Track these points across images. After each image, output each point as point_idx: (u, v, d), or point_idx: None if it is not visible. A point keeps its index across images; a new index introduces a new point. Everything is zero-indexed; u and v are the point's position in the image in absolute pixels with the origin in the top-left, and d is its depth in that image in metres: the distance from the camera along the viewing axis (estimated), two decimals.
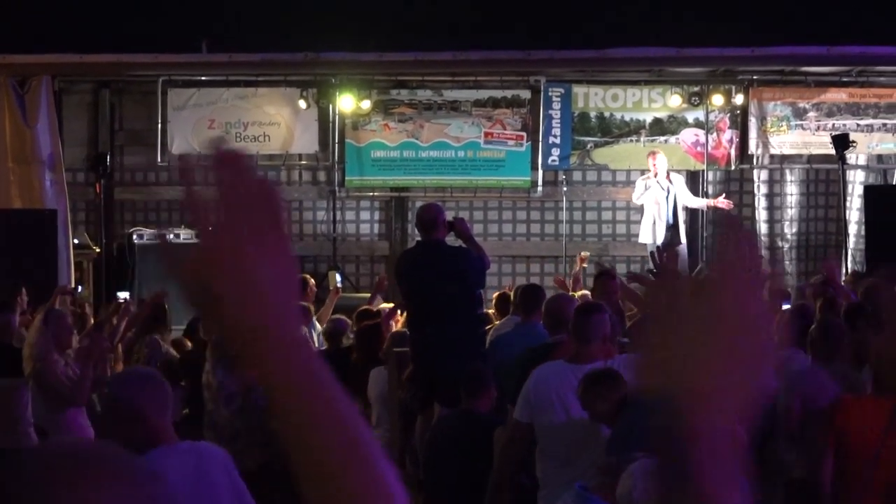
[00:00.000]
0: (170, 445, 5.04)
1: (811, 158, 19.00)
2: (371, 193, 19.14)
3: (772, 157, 19.04)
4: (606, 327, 6.92)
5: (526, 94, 18.80)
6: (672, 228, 17.07)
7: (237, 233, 1.38)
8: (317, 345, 11.20)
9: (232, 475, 5.08)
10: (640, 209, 17.59)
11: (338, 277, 16.14)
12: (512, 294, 10.65)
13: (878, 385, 6.55)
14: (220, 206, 1.39)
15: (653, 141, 18.73)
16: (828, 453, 6.45)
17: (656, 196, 17.01)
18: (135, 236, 17.65)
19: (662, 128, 18.86)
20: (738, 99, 18.62)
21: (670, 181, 17.06)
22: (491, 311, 11.86)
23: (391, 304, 11.91)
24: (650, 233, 17.00)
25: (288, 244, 1.42)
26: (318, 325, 12.00)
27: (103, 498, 1.42)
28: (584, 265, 14.95)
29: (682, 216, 17.30)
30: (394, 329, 10.63)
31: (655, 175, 17.03)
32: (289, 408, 1.37)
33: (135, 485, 1.47)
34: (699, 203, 17.69)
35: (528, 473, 7.00)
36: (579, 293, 12.19)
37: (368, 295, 14.36)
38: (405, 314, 10.47)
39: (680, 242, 17.07)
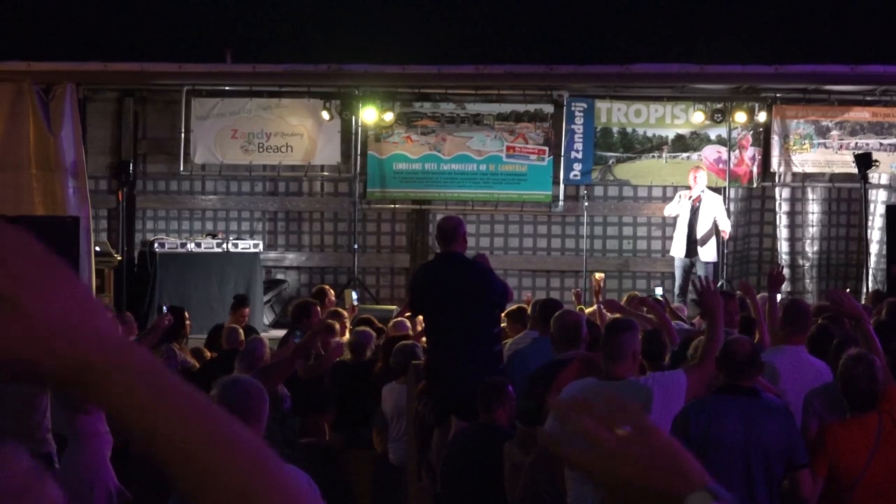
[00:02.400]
0: None
1: (833, 177, 18.95)
2: (392, 206, 19.16)
3: (794, 175, 19.00)
4: (637, 344, 6.91)
5: (549, 109, 18.80)
6: (692, 244, 17.18)
7: (6, 292, 1.27)
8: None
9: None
10: (672, 224, 17.73)
11: (354, 295, 16.15)
12: (529, 308, 10.61)
13: (853, 405, 6.55)
14: None
15: (675, 157, 18.72)
16: (819, 479, 6.47)
17: (683, 214, 17.22)
18: (156, 244, 17.70)
19: (685, 144, 18.84)
20: (761, 116, 18.59)
21: (700, 199, 17.22)
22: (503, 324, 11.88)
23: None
24: (681, 247, 17.25)
25: (64, 272, 1.31)
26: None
27: None
28: (602, 285, 14.91)
29: (711, 236, 17.31)
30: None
31: (689, 190, 17.29)
32: (156, 432, 1.30)
33: None
34: (726, 225, 17.69)
35: (550, 489, 6.98)
36: (589, 309, 12.20)
37: (388, 307, 14.39)
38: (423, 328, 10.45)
39: (696, 258, 17.24)
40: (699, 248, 17.20)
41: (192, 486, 1.31)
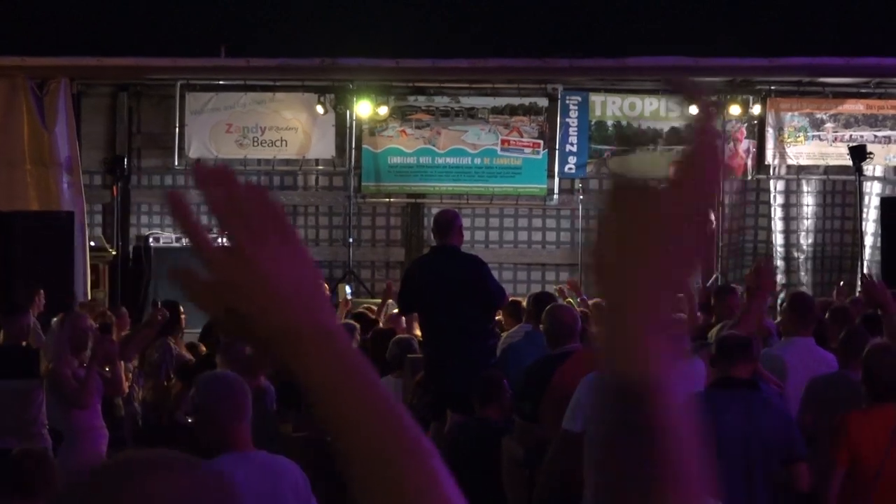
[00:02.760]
0: (241, 453, 5.07)
1: (828, 169, 18.97)
2: (387, 199, 19.16)
3: (788, 167, 19.02)
4: None
5: (543, 102, 18.81)
6: None
7: (239, 244, 1.37)
8: None
9: (301, 492, 5.07)
10: None
11: (347, 289, 16.16)
12: (525, 302, 10.60)
13: (875, 395, 6.55)
14: (218, 220, 1.38)
15: (670, 150, 18.73)
16: (839, 468, 6.44)
17: None
18: (151, 239, 17.70)
19: (679, 137, 18.85)
20: (756, 109, 18.61)
21: None
22: (499, 318, 11.88)
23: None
24: None
25: (295, 240, 1.40)
26: None
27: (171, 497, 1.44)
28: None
29: None
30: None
31: None
32: (335, 401, 1.37)
33: (204, 486, 1.48)
34: None
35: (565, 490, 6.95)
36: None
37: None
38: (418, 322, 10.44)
39: None
40: None
41: (356, 468, 1.37)
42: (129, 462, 1.48)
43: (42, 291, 12.39)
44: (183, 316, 11.60)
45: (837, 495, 6.45)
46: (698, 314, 10.76)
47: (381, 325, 11.52)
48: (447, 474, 1.37)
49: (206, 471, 1.50)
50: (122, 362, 9.95)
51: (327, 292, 1.44)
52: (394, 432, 1.36)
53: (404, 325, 11.33)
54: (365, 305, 13.10)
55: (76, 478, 1.49)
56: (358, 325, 11.32)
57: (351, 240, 18.65)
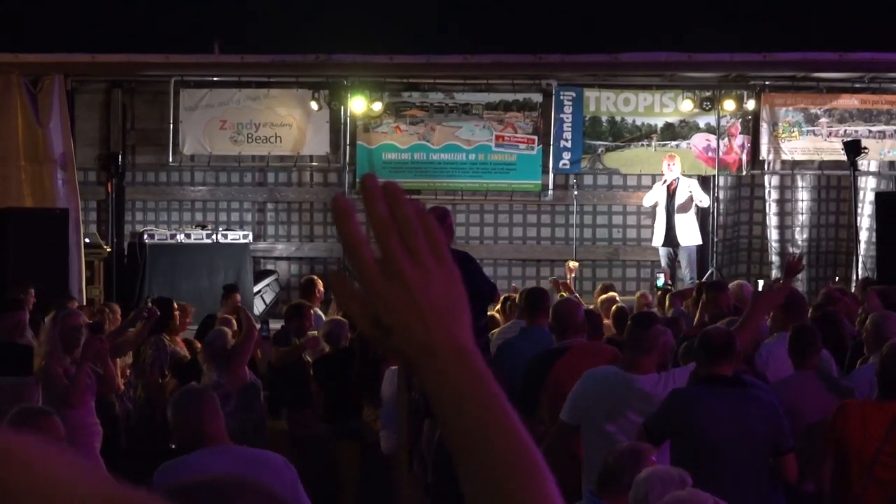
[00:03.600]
0: (217, 447, 5.27)
1: (822, 164, 18.98)
2: None
3: (783, 162, 19.03)
4: (667, 339, 6.94)
5: (537, 98, 18.82)
6: (671, 231, 17.30)
7: (396, 261, 1.43)
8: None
9: (289, 485, 5.14)
10: (652, 213, 17.82)
11: None
12: (517, 297, 10.62)
13: (884, 390, 6.56)
14: (378, 236, 1.44)
15: (664, 146, 18.74)
16: (828, 453, 6.48)
17: (660, 200, 17.35)
18: (146, 236, 17.70)
19: (674, 132, 18.86)
20: (750, 104, 18.61)
21: (675, 186, 17.31)
22: (495, 314, 11.89)
23: None
24: (659, 236, 17.42)
25: (448, 263, 1.48)
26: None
27: None
28: (573, 274, 14.91)
29: (691, 221, 17.39)
30: None
31: (663, 179, 17.39)
32: (464, 417, 1.44)
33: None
34: (702, 196, 17.80)
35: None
36: (600, 298, 12.29)
37: None
38: None
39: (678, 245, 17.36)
40: (678, 234, 17.28)
41: (475, 483, 1.43)
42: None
43: (32, 290, 12.37)
44: (177, 313, 11.60)
45: (830, 480, 6.48)
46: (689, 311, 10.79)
47: None
48: (560, 498, 1.44)
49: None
50: (117, 359, 9.96)
51: (468, 312, 1.50)
52: (517, 450, 1.43)
53: None
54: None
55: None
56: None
57: None
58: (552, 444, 6.95)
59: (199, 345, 11.37)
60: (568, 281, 14.21)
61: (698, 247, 17.80)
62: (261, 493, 1.57)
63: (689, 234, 17.38)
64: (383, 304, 1.43)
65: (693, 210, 17.41)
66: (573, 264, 15.11)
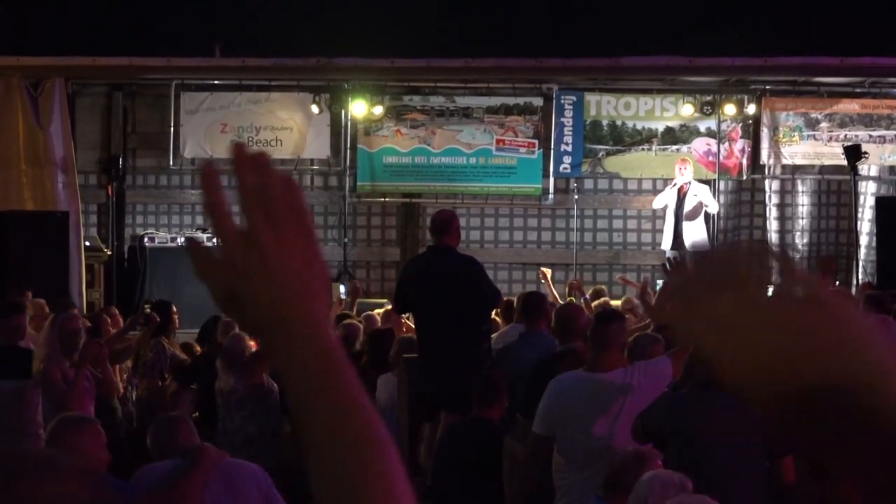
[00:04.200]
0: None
1: (823, 169, 18.99)
2: (382, 199, 19.15)
3: (783, 167, 19.03)
4: (625, 335, 6.93)
5: (538, 102, 18.82)
6: (678, 236, 17.25)
7: (256, 229, 1.41)
8: None
9: (265, 490, 5.19)
10: (662, 216, 17.83)
11: (342, 289, 16.14)
12: (515, 301, 10.61)
13: None
14: (243, 205, 1.42)
15: (665, 150, 18.74)
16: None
17: (670, 204, 17.31)
18: (146, 239, 17.70)
19: (674, 137, 18.86)
20: (751, 109, 18.61)
21: (686, 190, 17.27)
22: (496, 317, 11.90)
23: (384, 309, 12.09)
24: (668, 240, 17.39)
25: (311, 236, 1.45)
26: None
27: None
28: (544, 280, 14.84)
29: (700, 227, 17.35)
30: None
31: (674, 182, 17.36)
32: (307, 395, 1.41)
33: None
34: (712, 203, 17.74)
35: (539, 482, 6.98)
36: (615, 302, 12.33)
37: (379, 301, 14.40)
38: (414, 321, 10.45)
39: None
40: (686, 240, 17.24)
41: (318, 457, 1.40)
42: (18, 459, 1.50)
43: (29, 293, 12.37)
44: (175, 316, 11.61)
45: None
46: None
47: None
48: (404, 471, 1.41)
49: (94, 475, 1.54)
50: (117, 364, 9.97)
51: (328, 288, 1.48)
52: (362, 426, 1.39)
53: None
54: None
55: None
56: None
57: (346, 240, 18.65)
58: (529, 458, 6.98)
59: (198, 348, 11.39)
60: (549, 287, 14.19)
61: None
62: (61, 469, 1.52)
63: (695, 235, 17.34)
64: (239, 274, 1.40)
65: (702, 217, 17.37)
66: (546, 270, 15.08)
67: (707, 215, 17.65)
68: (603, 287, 15.65)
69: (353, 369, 1.43)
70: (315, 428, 1.40)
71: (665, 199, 17.52)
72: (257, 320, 1.42)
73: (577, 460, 6.70)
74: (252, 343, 9.61)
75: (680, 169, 17.54)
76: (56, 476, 1.47)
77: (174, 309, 11.60)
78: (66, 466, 1.49)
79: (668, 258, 17.46)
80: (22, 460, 1.50)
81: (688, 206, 17.28)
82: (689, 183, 17.41)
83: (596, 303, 12.18)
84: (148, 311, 11.24)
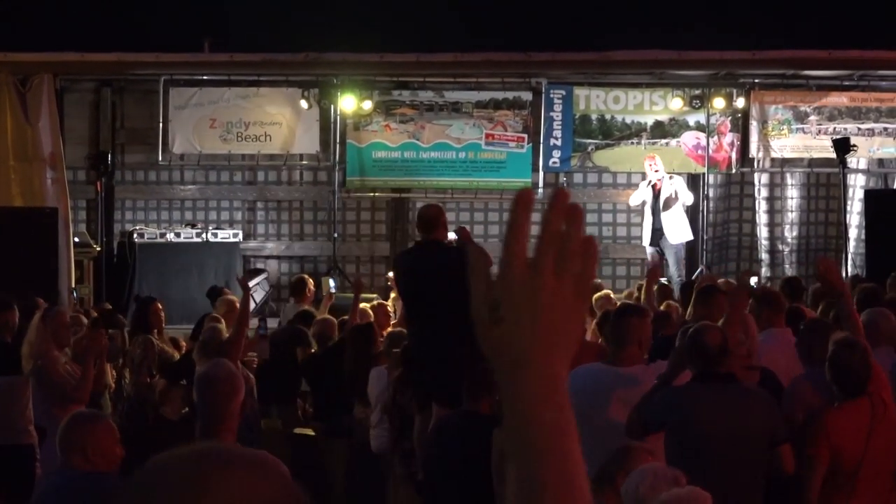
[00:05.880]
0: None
1: (812, 162, 19.01)
2: (372, 194, 19.14)
3: (773, 160, 19.05)
4: (646, 331, 6.90)
5: (527, 96, 18.81)
6: (657, 231, 17.27)
7: (544, 266, 1.48)
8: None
9: None
10: (641, 211, 17.83)
11: (331, 283, 16.15)
12: None
13: (848, 392, 6.52)
14: (541, 241, 1.51)
15: (654, 144, 18.74)
16: (822, 464, 6.45)
17: (647, 199, 17.36)
18: (135, 234, 17.68)
19: (663, 130, 18.86)
20: (740, 102, 18.61)
21: (660, 187, 17.28)
22: None
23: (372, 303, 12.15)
24: (647, 236, 17.43)
25: (586, 298, 1.52)
26: None
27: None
28: None
29: (678, 217, 17.35)
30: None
31: (649, 181, 17.39)
32: (524, 438, 1.46)
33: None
34: (686, 195, 17.73)
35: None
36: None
37: (368, 296, 14.39)
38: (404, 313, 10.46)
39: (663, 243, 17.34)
40: (666, 232, 17.24)
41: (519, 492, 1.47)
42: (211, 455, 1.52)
43: (40, 300, 12.33)
44: (161, 313, 11.57)
45: (819, 491, 6.46)
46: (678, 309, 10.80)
47: (356, 321, 11.46)
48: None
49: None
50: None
51: (575, 349, 1.52)
52: (566, 486, 1.45)
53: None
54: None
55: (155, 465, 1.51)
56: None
57: (336, 234, 18.63)
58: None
59: (184, 343, 11.38)
60: None
61: (688, 245, 17.81)
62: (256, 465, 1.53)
63: (678, 230, 17.31)
64: (510, 297, 1.47)
65: (679, 206, 17.36)
66: None
67: (686, 206, 17.63)
68: (600, 281, 15.66)
69: (578, 445, 1.48)
70: (522, 469, 1.46)
71: (641, 196, 17.55)
72: (502, 346, 1.49)
73: (594, 452, 6.68)
74: (224, 331, 9.58)
75: (650, 165, 17.56)
76: (265, 475, 1.51)
77: (160, 306, 11.52)
78: (273, 466, 1.54)
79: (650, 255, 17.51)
80: (235, 457, 1.53)
81: (666, 206, 17.28)
82: (662, 178, 17.41)
83: (596, 296, 12.15)
84: (94, 315, 11.24)
